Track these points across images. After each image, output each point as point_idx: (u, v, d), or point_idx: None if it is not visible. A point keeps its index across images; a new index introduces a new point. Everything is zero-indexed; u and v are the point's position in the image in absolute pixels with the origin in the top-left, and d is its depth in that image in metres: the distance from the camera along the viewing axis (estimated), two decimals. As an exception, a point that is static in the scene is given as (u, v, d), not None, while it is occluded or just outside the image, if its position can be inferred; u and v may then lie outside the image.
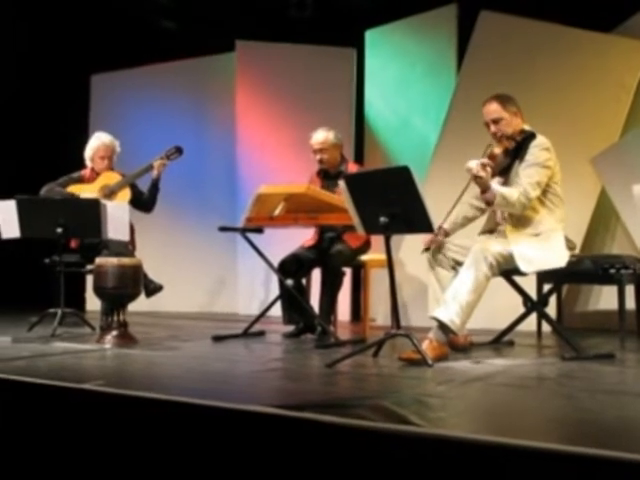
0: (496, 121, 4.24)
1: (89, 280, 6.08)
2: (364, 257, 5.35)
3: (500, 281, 4.34)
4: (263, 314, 5.29)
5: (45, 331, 5.05)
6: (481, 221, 4.58)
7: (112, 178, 5.69)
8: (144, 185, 5.80)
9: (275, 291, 5.58)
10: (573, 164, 5.64)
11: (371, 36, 7.37)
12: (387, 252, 3.91)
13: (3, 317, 6.23)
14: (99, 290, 4.69)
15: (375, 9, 7.10)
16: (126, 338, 4.64)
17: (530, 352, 4.65)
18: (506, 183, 4.17)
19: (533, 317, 5.02)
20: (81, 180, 5.74)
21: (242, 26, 7.53)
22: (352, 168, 5.35)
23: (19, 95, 7.93)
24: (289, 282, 5.04)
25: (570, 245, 4.22)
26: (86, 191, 5.59)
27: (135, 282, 4.68)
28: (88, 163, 5.80)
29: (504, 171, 4.22)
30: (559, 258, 4.10)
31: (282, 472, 2.37)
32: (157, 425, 2.70)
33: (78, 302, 6.87)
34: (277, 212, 5.10)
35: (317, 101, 7.20)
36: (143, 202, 5.77)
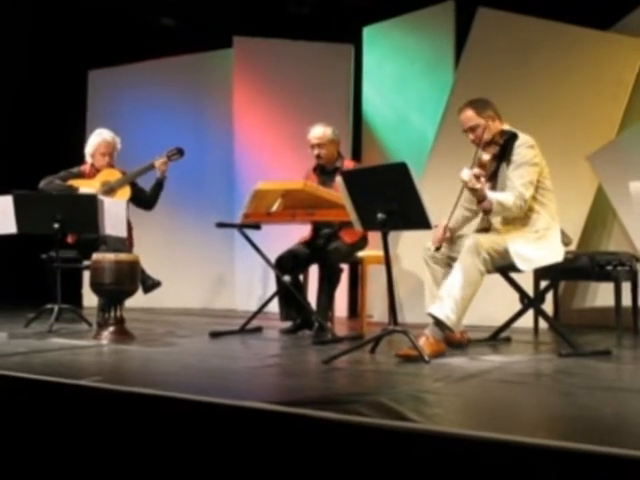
0: (473, 128, 4.23)
1: (86, 276, 6.07)
2: (361, 253, 5.36)
3: (497, 278, 4.35)
4: (260, 310, 5.29)
5: (42, 327, 5.04)
6: (475, 220, 4.60)
7: (113, 175, 5.69)
8: (146, 183, 5.79)
9: (272, 287, 5.58)
10: (570, 161, 5.66)
11: (369, 33, 7.37)
12: (384, 249, 3.91)
13: (0, 313, 6.22)
14: (96, 286, 4.68)
15: (373, 6, 7.09)
16: (123, 334, 4.63)
17: (527, 349, 4.66)
18: (494, 187, 4.17)
19: (530, 314, 5.02)
20: (81, 175, 5.73)
21: (240, 22, 7.52)
22: (348, 165, 5.35)
23: (16, 90, 7.92)
24: (286, 278, 5.04)
25: (566, 240, 4.23)
26: (86, 186, 5.58)
27: (132, 278, 4.67)
28: (88, 159, 5.79)
29: (492, 175, 4.22)
30: (555, 254, 4.11)
31: (280, 468, 2.37)
32: (154, 421, 2.70)
33: (75, 298, 6.87)
34: (274, 208, 5.10)
35: (315, 97, 7.19)
36: (144, 200, 5.77)
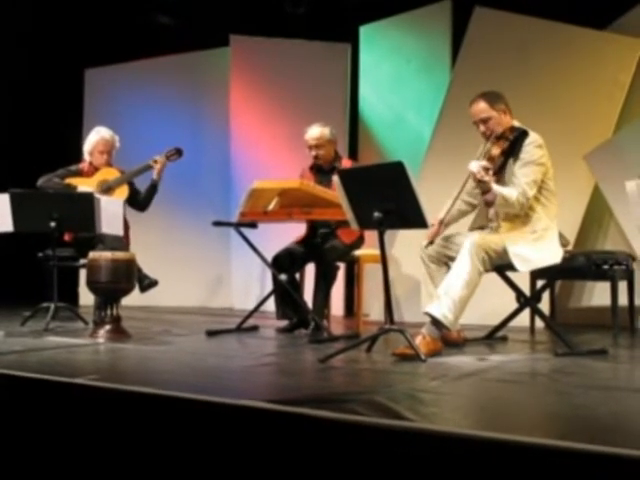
0: (485, 120, 4.23)
1: (83, 274, 6.06)
2: (358, 252, 5.36)
3: (493, 277, 4.35)
4: (257, 309, 5.29)
5: (38, 325, 5.04)
6: (470, 216, 4.59)
7: (111, 174, 5.68)
8: (143, 184, 5.79)
9: (269, 286, 5.58)
10: (566, 161, 5.65)
11: (366, 32, 7.37)
12: (381, 247, 3.91)
13: (-4, 311, 6.22)
14: (92, 284, 4.67)
15: (370, 5, 7.08)
16: (119, 333, 4.63)
17: (523, 348, 4.66)
18: (500, 181, 4.17)
19: (526, 313, 5.03)
20: (79, 173, 5.72)
21: (237, 21, 7.52)
22: (346, 164, 5.35)
23: (13, 89, 7.91)
24: (283, 277, 5.04)
25: (563, 242, 4.24)
26: (84, 184, 5.58)
27: (129, 277, 4.67)
28: (87, 157, 5.78)
29: (498, 170, 4.22)
30: (554, 256, 4.12)
31: (276, 467, 2.37)
32: (150, 420, 2.70)
33: (71, 296, 6.87)
34: (271, 207, 5.10)
35: (311, 96, 7.19)
36: (138, 201, 5.75)
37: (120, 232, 5.16)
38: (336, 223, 4.99)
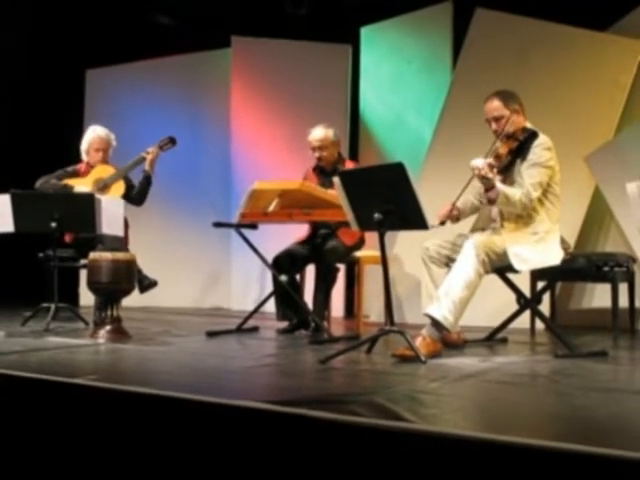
0: (497, 119, 4.23)
1: (83, 275, 6.06)
2: (358, 253, 5.36)
3: (494, 278, 4.35)
4: (257, 310, 5.29)
5: (38, 325, 5.05)
6: (471, 218, 4.59)
7: (106, 171, 5.68)
8: (139, 179, 5.79)
9: (269, 287, 5.57)
10: (567, 162, 5.62)
11: (366, 33, 7.37)
12: (381, 249, 3.91)
13: (-4, 311, 6.22)
14: (93, 285, 4.68)
15: (370, 6, 7.09)
16: (119, 333, 4.63)
17: (523, 349, 4.66)
18: (505, 181, 4.17)
19: (526, 314, 5.03)
20: (76, 174, 5.73)
21: (238, 22, 7.52)
22: (349, 166, 5.35)
23: (14, 89, 7.91)
24: (283, 278, 5.04)
25: (565, 246, 4.24)
26: (80, 184, 5.58)
27: (129, 277, 4.67)
28: (84, 157, 5.80)
29: (505, 169, 4.22)
30: (553, 258, 4.12)
31: (276, 468, 2.37)
32: (150, 420, 2.70)
33: (72, 297, 6.87)
34: (271, 208, 5.10)
35: (312, 97, 7.19)
36: (133, 196, 5.75)
37: (120, 232, 5.16)
38: (336, 224, 4.99)
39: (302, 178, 5.32)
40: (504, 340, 4.74)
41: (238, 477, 2.44)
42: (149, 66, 7.91)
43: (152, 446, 2.64)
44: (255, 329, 5.28)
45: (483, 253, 3.96)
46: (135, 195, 5.74)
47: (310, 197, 4.85)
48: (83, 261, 5.40)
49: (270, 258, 5.21)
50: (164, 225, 7.57)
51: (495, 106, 4.25)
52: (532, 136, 4.18)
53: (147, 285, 5.47)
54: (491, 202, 4.10)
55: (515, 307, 4.66)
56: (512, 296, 4.58)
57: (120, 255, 4.70)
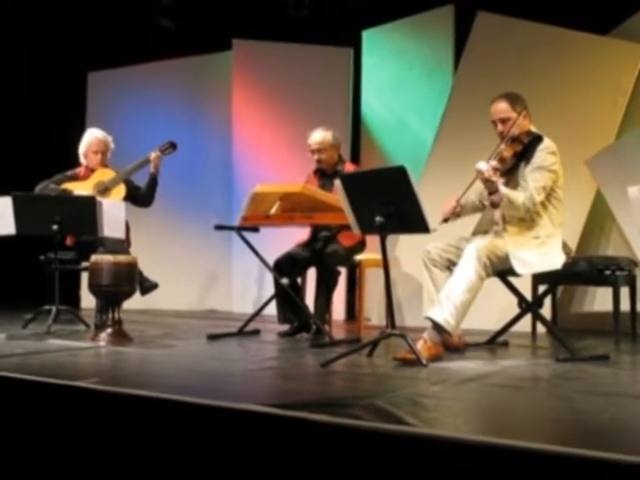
0: (504, 121, 4.23)
1: (84, 277, 6.06)
2: (359, 256, 5.35)
3: (495, 282, 4.35)
4: (258, 313, 5.29)
5: (40, 328, 5.05)
6: (473, 221, 4.59)
7: (106, 175, 5.68)
8: (141, 180, 5.79)
9: (270, 290, 5.57)
10: (569, 165, 5.62)
11: (368, 36, 7.37)
12: (382, 252, 3.91)
13: (-2, 314, 6.22)
14: (94, 287, 4.68)
15: (372, 9, 7.09)
16: (121, 336, 4.63)
17: (525, 353, 4.65)
18: (508, 183, 4.17)
19: (528, 318, 5.02)
20: (75, 178, 5.73)
21: (239, 25, 7.52)
22: (349, 168, 5.35)
23: (16, 92, 7.92)
24: (284, 281, 5.04)
25: (566, 250, 4.23)
26: (80, 188, 5.58)
27: (130, 280, 4.68)
28: (82, 160, 5.80)
29: (508, 171, 4.21)
30: (555, 262, 4.11)
31: (276, 471, 2.37)
32: (151, 423, 2.70)
33: (73, 299, 6.87)
34: (273, 211, 5.10)
35: (314, 100, 7.19)
36: (140, 197, 5.76)
37: (122, 235, 5.17)
38: (338, 227, 4.99)
39: (304, 182, 5.32)
40: (505, 344, 4.73)
41: (239, 480, 2.44)
42: (151, 69, 7.91)
43: (153, 449, 2.64)
44: (256, 332, 5.28)
45: (485, 256, 3.96)
46: (143, 196, 5.75)
47: (311, 200, 4.85)
48: (84, 264, 5.40)
49: (271, 261, 5.21)
50: (165, 228, 7.57)
51: (502, 108, 4.25)
52: (537, 140, 4.19)
53: (148, 287, 5.47)
54: (494, 205, 4.10)
55: (516, 310, 4.66)
56: (513, 299, 4.58)
57: (121, 258, 4.70)
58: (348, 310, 6.95)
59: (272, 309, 5.34)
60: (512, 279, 4.40)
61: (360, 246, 5.32)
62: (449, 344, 4.17)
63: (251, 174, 7.04)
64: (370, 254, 5.39)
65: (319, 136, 5.32)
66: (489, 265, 3.98)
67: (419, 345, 3.84)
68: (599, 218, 5.96)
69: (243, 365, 3.91)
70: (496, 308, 5.15)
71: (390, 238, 4.24)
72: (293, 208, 4.98)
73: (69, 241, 5.60)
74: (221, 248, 7.32)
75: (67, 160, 6.00)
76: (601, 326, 5.53)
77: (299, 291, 5.42)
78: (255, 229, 5.26)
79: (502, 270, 4.14)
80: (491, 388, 3.27)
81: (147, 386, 2.95)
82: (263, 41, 7.45)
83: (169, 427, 2.64)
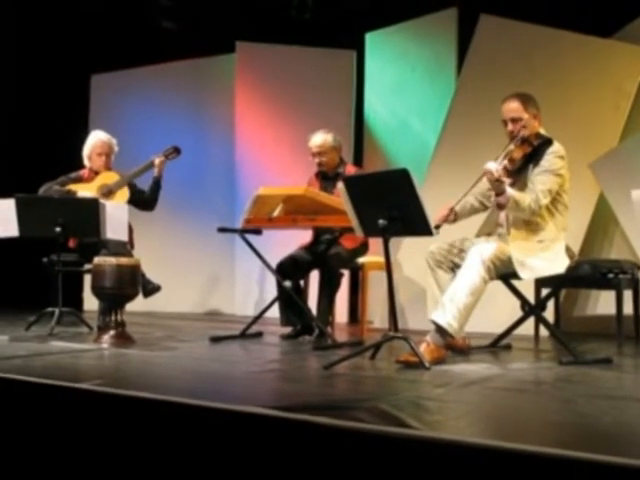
0: (515, 120, 4.21)
1: (87, 279, 6.07)
2: (362, 259, 5.36)
3: (498, 285, 4.34)
4: (261, 315, 5.29)
5: (43, 330, 5.05)
6: (477, 223, 4.57)
7: (111, 178, 5.69)
8: (144, 184, 5.80)
9: (272, 292, 5.58)
10: (572, 169, 5.61)
11: (371, 39, 7.38)
12: (385, 254, 3.91)
13: (1, 316, 6.20)
14: (97, 290, 4.68)
15: (375, 12, 7.09)
16: (123, 338, 4.63)
17: (528, 356, 4.65)
18: (515, 184, 4.16)
19: (531, 321, 5.02)
20: (79, 180, 5.73)
21: (242, 27, 7.53)
22: (350, 170, 5.36)
23: (19, 94, 7.93)
24: (287, 284, 5.04)
25: (570, 254, 4.22)
26: (84, 190, 5.59)
27: (133, 282, 4.68)
28: (86, 162, 5.80)
29: (515, 172, 4.21)
30: (558, 266, 4.10)
31: (278, 474, 2.36)
32: (154, 425, 2.70)
33: (76, 301, 6.87)
34: (276, 213, 5.10)
35: (317, 103, 7.20)
36: (144, 200, 5.76)
37: (125, 237, 5.17)
38: (340, 230, 4.99)
39: (306, 184, 5.32)
40: (508, 347, 4.73)
41: (241, 483, 2.44)
42: (154, 71, 7.92)
43: (156, 451, 2.64)
44: (259, 335, 5.29)
45: (488, 260, 3.95)
46: (147, 200, 5.75)
47: (314, 203, 4.85)
48: (87, 266, 5.40)
49: (274, 264, 5.21)
50: (168, 230, 7.57)
51: (514, 107, 4.23)
52: (546, 143, 4.18)
53: (151, 290, 5.47)
54: (500, 207, 4.09)
55: (519, 314, 4.66)
56: (516, 303, 4.57)
57: (124, 260, 4.71)
58: (351, 313, 6.96)
59: (275, 312, 5.34)
60: (515, 282, 4.40)
61: (363, 249, 5.32)
62: (454, 346, 4.17)
63: (254, 176, 7.05)
64: (373, 257, 5.39)
65: (319, 139, 5.32)
66: (493, 268, 3.98)
67: (422, 348, 3.83)
68: (602, 221, 5.96)
69: (246, 367, 3.91)
70: (499, 311, 5.14)
71: (393, 241, 4.24)
72: (296, 211, 4.98)
73: (72, 243, 5.61)
74: (224, 251, 7.32)
75: (71, 162, 6.00)
76: (604, 329, 5.53)
77: (302, 294, 5.42)
78: (258, 231, 5.26)
79: (505, 273, 4.13)
80: (494, 391, 3.27)
81: (150, 388, 2.95)
82: (266, 43, 7.45)
83: (172, 429, 2.64)
